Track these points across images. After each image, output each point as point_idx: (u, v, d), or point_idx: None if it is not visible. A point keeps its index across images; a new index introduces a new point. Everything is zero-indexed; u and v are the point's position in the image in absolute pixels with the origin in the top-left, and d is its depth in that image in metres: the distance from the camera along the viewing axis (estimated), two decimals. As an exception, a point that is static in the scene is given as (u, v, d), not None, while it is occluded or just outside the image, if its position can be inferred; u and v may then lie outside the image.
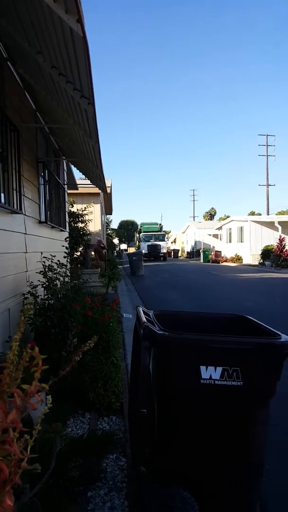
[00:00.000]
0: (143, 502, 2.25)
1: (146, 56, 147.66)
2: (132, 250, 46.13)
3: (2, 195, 4.17)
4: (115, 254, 32.39)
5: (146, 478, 2.46)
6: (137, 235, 44.28)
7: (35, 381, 1.06)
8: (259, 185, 38.75)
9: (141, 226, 41.97)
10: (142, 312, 2.41)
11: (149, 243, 35.79)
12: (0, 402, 0.94)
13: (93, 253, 13.37)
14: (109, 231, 36.12)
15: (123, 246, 61.58)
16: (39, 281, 4.39)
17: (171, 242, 53.62)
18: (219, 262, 30.64)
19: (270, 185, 37.42)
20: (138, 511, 2.19)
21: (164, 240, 37.01)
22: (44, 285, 4.35)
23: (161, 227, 41.15)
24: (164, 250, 36.20)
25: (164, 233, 39.12)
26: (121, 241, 62.96)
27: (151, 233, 37.82)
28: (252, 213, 52.37)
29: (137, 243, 41.19)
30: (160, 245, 35.71)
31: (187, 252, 46.07)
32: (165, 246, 36.74)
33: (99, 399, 3.37)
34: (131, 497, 2.32)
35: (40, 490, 1.71)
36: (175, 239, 54.81)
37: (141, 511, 2.19)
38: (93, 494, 2.35)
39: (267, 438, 2.08)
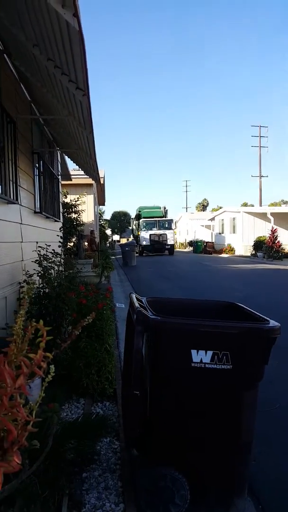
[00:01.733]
0: (136, 483, 2.33)
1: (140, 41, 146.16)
2: (124, 241, 42.87)
3: (-1, 185, 4.20)
4: (108, 245, 32.31)
5: (138, 460, 2.55)
6: (134, 222, 35.67)
7: (40, 350, 1.12)
8: (252, 176, 38.88)
9: (139, 211, 33.03)
10: (135, 298, 2.47)
11: (152, 232, 28.19)
12: (8, 369, 1.01)
13: (86, 243, 13.40)
14: (102, 222, 35.25)
15: (116, 237, 61.56)
16: (34, 270, 4.44)
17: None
18: (211, 253, 30.83)
19: (262, 176, 37.54)
20: (131, 491, 2.27)
21: (171, 228, 29.25)
22: (39, 274, 4.39)
23: (165, 212, 32.32)
24: (172, 241, 28.67)
25: (171, 219, 31.07)
26: (113, 232, 62.94)
27: (154, 219, 29.88)
28: (245, 204, 52.55)
29: (136, 232, 32.79)
30: (165, 234, 28.15)
31: (180, 243, 46.07)
32: (172, 235, 28.90)
33: (93, 385, 3.44)
34: (124, 478, 2.40)
35: (38, 469, 1.78)
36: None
37: (134, 491, 2.27)
38: (88, 475, 2.43)
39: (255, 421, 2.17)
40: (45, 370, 1.17)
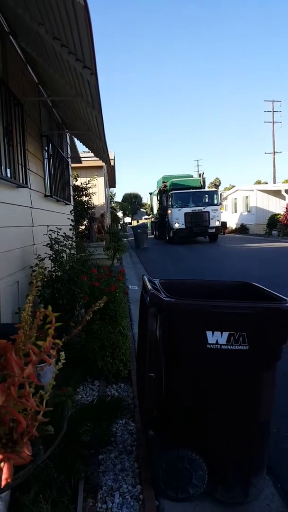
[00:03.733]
0: (152, 464, 2.33)
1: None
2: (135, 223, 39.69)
3: (8, 169, 4.15)
4: (119, 227, 31.97)
5: (155, 441, 2.55)
6: (156, 197, 26.32)
7: (49, 337, 1.08)
8: (265, 153, 38.10)
9: (165, 182, 23.64)
10: (148, 280, 2.42)
11: (188, 210, 19.95)
12: (16, 358, 0.97)
13: (96, 226, 13.36)
14: (113, 204, 34.91)
15: (127, 220, 61.45)
16: (46, 253, 4.42)
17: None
18: (224, 233, 30.54)
19: (276, 152, 36.60)
20: (148, 473, 2.27)
21: (215, 204, 20.58)
22: (51, 258, 4.37)
23: (204, 181, 23.16)
24: (217, 222, 20.24)
25: (214, 190, 22.73)
26: (125, 214, 62.79)
27: (189, 190, 21.43)
28: (258, 182, 51.61)
29: (159, 211, 24.54)
30: (208, 212, 19.87)
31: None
32: (218, 214, 20.34)
33: (108, 367, 3.44)
34: (140, 459, 2.40)
35: (53, 453, 1.77)
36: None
37: (150, 473, 2.27)
38: (104, 457, 2.43)
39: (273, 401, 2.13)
40: (55, 357, 1.13)
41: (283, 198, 25.45)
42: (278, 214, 24.36)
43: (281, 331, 1.94)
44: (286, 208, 23.05)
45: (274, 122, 36.33)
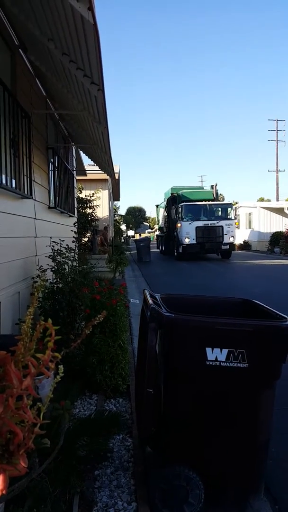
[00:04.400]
0: (149, 481, 2.30)
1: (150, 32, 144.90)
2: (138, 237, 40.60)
3: (13, 180, 4.20)
4: (123, 240, 32.08)
5: (152, 458, 2.52)
6: (164, 210, 24.35)
7: (49, 350, 1.09)
8: (269, 171, 38.23)
9: (175, 193, 21.90)
10: (149, 295, 2.42)
11: (200, 224, 18.39)
12: (15, 370, 0.98)
13: (99, 238, 13.42)
14: (117, 217, 35.04)
15: (131, 233, 61.67)
16: (48, 265, 4.43)
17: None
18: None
19: (279, 170, 36.86)
20: (144, 490, 2.24)
21: (229, 218, 18.99)
22: (53, 269, 4.38)
23: (217, 193, 21.36)
24: (231, 238, 18.60)
25: (229, 203, 20.54)
26: (128, 228, 63.02)
27: (202, 202, 19.69)
28: (261, 199, 51.82)
29: (168, 224, 22.64)
30: (221, 227, 18.33)
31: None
32: (232, 229, 18.75)
33: (106, 382, 3.42)
34: (137, 476, 2.37)
35: (48, 467, 1.76)
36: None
37: (146, 490, 2.24)
38: (100, 473, 2.40)
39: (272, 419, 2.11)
40: (54, 370, 1.13)
41: (286, 215, 25.53)
42: (281, 231, 24.41)
43: (280, 349, 1.94)
44: (288, 225, 23.09)
45: (278, 140, 36.68)
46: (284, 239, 22.89)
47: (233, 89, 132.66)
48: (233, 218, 19.35)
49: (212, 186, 21.61)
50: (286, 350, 1.94)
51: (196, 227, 18.18)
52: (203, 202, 19.66)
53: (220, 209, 19.49)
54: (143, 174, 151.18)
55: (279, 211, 26.72)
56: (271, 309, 2.22)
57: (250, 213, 29.26)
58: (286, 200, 34.84)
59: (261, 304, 2.38)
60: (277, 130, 36.68)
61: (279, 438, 2.81)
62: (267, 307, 2.29)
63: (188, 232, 18.22)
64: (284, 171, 38.12)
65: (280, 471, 2.56)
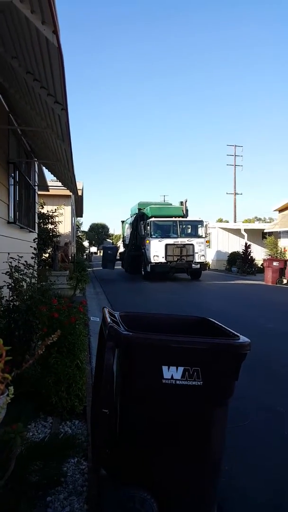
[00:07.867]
0: (103, 505, 2.24)
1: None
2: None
3: None
4: (85, 256, 31.84)
5: (106, 481, 2.46)
6: (130, 225, 22.52)
7: (-1, 371, 1.06)
8: (227, 193, 39.66)
9: (142, 208, 20.96)
10: (108, 313, 2.41)
11: (170, 242, 17.45)
12: None
13: (60, 255, 13.24)
14: (80, 234, 34.89)
15: (93, 249, 61.32)
16: (4, 282, 4.31)
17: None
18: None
19: (237, 193, 38.34)
20: (98, 514, 2.18)
21: (199, 236, 18.25)
22: (10, 286, 4.27)
23: (187, 210, 20.15)
24: (202, 258, 17.81)
25: (199, 220, 19.03)
26: (91, 244, 62.64)
27: (171, 219, 18.77)
28: (220, 220, 53.34)
29: (132, 241, 21.20)
30: (192, 245, 17.55)
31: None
32: (203, 247, 17.98)
33: (62, 403, 3.32)
34: (91, 501, 2.30)
35: (-3, 494, 1.68)
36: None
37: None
38: (53, 499, 2.31)
39: (225, 438, 2.13)
40: (4, 391, 1.10)
41: (243, 236, 26.45)
42: (238, 251, 25.23)
43: (233, 367, 1.98)
44: (245, 246, 23.91)
45: (236, 165, 38.19)
46: (240, 259, 23.65)
47: (194, 111, 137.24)
48: (204, 236, 18.49)
49: (181, 203, 20.73)
50: (239, 367, 1.99)
51: (166, 245, 17.21)
52: (173, 219, 18.74)
53: (190, 226, 18.69)
54: (107, 191, 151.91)
55: (237, 232, 27.67)
56: (226, 327, 2.27)
57: (209, 233, 30.06)
58: (243, 222, 36.13)
59: (216, 322, 2.44)
60: (235, 155, 38.24)
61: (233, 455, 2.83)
62: (222, 325, 2.34)
63: (157, 250, 17.24)
64: (241, 194, 39.57)
65: (232, 490, 2.58)
